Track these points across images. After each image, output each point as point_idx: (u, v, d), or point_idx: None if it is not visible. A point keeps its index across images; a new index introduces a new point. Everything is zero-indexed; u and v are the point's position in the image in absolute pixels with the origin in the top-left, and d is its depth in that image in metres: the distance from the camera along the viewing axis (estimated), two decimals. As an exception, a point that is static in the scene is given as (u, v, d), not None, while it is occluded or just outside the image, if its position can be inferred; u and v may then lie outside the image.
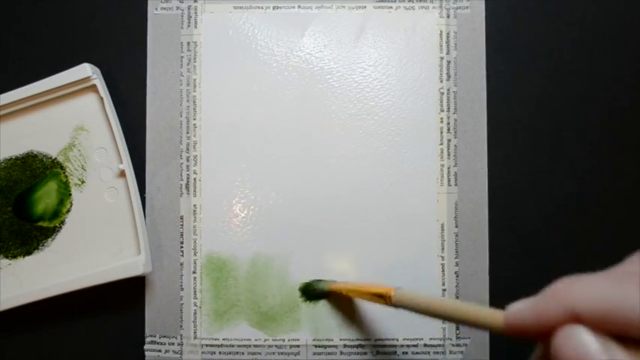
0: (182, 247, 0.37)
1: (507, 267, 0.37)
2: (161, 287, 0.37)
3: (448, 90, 0.37)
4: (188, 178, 0.37)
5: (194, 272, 0.37)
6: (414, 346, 0.36)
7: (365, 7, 0.37)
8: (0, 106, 0.35)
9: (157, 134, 0.37)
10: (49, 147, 0.36)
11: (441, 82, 0.37)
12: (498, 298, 0.36)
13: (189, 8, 0.37)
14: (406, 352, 0.36)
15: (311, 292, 0.36)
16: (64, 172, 0.36)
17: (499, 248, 0.37)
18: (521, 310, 0.22)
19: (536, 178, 0.37)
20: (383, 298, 0.30)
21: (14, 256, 0.36)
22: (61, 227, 0.36)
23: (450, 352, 0.36)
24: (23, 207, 0.36)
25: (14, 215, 0.36)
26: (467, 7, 0.37)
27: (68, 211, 0.36)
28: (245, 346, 0.36)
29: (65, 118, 0.36)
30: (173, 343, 0.36)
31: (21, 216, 0.36)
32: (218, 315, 0.36)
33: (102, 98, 0.35)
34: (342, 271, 0.36)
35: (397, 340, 0.36)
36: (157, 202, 0.37)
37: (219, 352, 0.36)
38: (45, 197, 0.36)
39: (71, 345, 0.37)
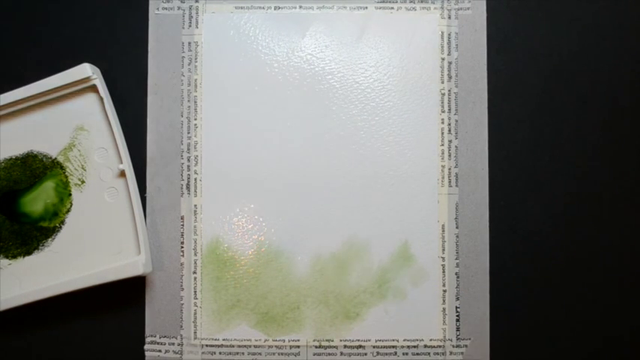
0: (182, 247, 0.37)
1: (507, 267, 0.37)
2: (161, 287, 0.37)
3: (449, 91, 0.37)
4: (189, 178, 0.37)
5: (194, 272, 0.37)
6: (414, 347, 0.36)
7: (366, 7, 0.37)
8: (0, 106, 0.35)
9: (157, 134, 0.37)
10: (49, 147, 0.36)
11: (442, 82, 0.37)
12: (498, 299, 0.37)
13: (190, 8, 0.37)
14: (406, 353, 0.36)
15: None
16: (64, 172, 0.36)
17: (499, 248, 0.37)
18: None
19: (536, 179, 0.37)
20: None
21: (14, 256, 0.36)
22: (61, 227, 0.36)
23: (451, 353, 0.36)
24: (13, 208, 0.36)
25: (6, 217, 0.36)
26: (468, 8, 0.37)
27: (68, 211, 0.36)
28: (245, 346, 0.36)
29: (65, 118, 0.36)
30: (173, 343, 0.36)
31: (12, 217, 0.36)
32: (218, 315, 0.36)
33: (102, 98, 0.35)
34: (342, 271, 0.36)
35: (397, 341, 0.36)
36: (158, 202, 0.37)
37: (220, 353, 0.36)
38: (40, 198, 0.36)
39: (71, 345, 0.37)
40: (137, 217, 0.35)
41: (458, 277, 0.37)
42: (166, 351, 0.36)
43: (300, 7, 0.37)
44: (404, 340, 0.36)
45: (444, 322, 0.36)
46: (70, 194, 0.36)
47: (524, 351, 0.37)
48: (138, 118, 0.37)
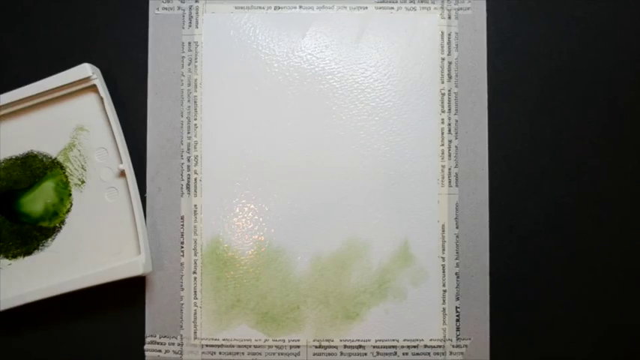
0: (182, 247, 0.37)
1: (507, 267, 0.37)
2: (161, 287, 0.37)
3: (449, 91, 0.37)
4: (189, 178, 0.37)
5: (194, 272, 0.37)
6: (414, 347, 0.36)
7: (366, 7, 0.37)
8: (0, 106, 0.35)
9: (157, 134, 0.37)
10: (49, 147, 0.36)
11: (442, 82, 0.37)
12: (499, 299, 0.37)
13: (190, 8, 0.37)
14: (406, 353, 0.36)
15: None
16: (64, 172, 0.36)
17: (499, 248, 0.37)
18: None
19: (536, 179, 0.37)
20: None
21: (14, 256, 0.36)
22: (61, 227, 0.36)
23: (451, 353, 0.36)
24: (13, 208, 0.36)
25: (5, 218, 0.36)
26: (468, 8, 0.37)
27: (68, 211, 0.36)
28: (245, 346, 0.36)
29: (65, 118, 0.36)
30: (173, 343, 0.36)
31: (11, 217, 0.36)
32: (218, 315, 0.36)
33: (102, 98, 0.35)
34: (342, 271, 0.36)
35: (397, 341, 0.36)
36: (158, 202, 0.37)
37: (220, 353, 0.36)
38: (40, 198, 0.36)
39: (71, 345, 0.37)
40: (137, 217, 0.35)
41: (458, 277, 0.37)
42: (166, 351, 0.36)
43: (300, 7, 0.37)
44: (404, 340, 0.36)
45: (444, 322, 0.36)
46: (70, 194, 0.36)
47: (524, 351, 0.37)
48: (138, 118, 0.37)
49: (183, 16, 0.37)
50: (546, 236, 0.37)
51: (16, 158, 0.36)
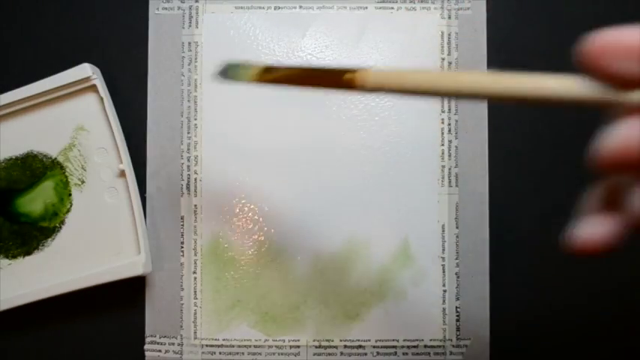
0: (182, 247, 0.37)
1: (507, 267, 0.37)
2: (161, 287, 0.37)
3: (449, 91, 0.37)
4: (189, 178, 0.37)
5: (194, 272, 0.37)
6: (415, 347, 0.36)
7: (366, 7, 0.37)
8: (0, 106, 0.35)
9: (157, 134, 0.37)
10: (49, 147, 0.36)
11: (442, 82, 0.37)
12: (499, 299, 0.37)
13: (190, 8, 0.37)
14: (406, 353, 0.36)
15: (230, 70, 0.26)
16: (64, 172, 0.36)
17: (499, 248, 0.37)
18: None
19: (536, 179, 0.37)
20: (348, 82, 0.21)
21: (14, 256, 0.36)
22: (61, 227, 0.36)
23: (451, 353, 0.36)
24: (10, 208, 0.36)
25: (5, 218, 0.36)
26: (468, 8, 0.37)
27: (68, 211, 0.36)
28: (245, 346, 0.36)
29: (65, 118, 0.36)
30: (173, 343, 0.36)
31: (9, 218, 0.36)
32: (218, 315, 0.36)
33: (102, 98, 0.35)
34: (342, 271, 0.36)
35: (397, 341, 0.36)
36: (158, 202, 0.37)
37: (220, 353, 0.36)
38: (39, 198, 0.36)
39: (71, 345, 0.37)
40: (137, 217, 0.35)
41: (458, 277, 0.36)
42: (166, 351, 0.36)
43: (300, 7, 0.37)
44: (404, 340, 0.36)
45: (444, 322, 0.36)
46: (70, 194, 0.36)
47: (524, 351, 0.37)
48: (138, 118, 0.37)
49: (183, 16, 0.37)
50: (546, 236, 0.37)
51: (16, 158, 0.36)
